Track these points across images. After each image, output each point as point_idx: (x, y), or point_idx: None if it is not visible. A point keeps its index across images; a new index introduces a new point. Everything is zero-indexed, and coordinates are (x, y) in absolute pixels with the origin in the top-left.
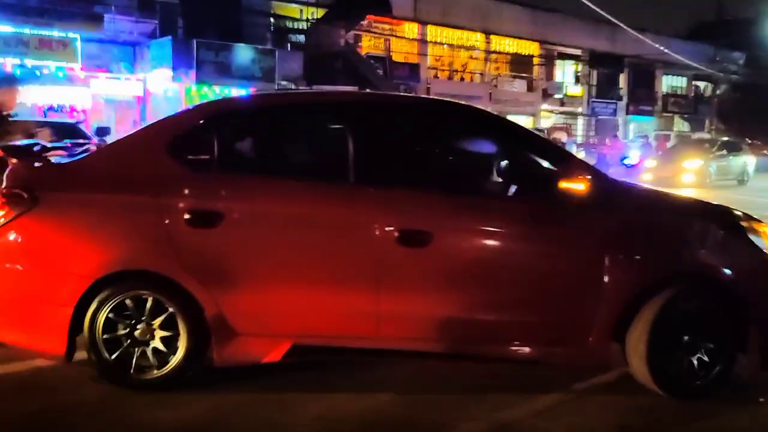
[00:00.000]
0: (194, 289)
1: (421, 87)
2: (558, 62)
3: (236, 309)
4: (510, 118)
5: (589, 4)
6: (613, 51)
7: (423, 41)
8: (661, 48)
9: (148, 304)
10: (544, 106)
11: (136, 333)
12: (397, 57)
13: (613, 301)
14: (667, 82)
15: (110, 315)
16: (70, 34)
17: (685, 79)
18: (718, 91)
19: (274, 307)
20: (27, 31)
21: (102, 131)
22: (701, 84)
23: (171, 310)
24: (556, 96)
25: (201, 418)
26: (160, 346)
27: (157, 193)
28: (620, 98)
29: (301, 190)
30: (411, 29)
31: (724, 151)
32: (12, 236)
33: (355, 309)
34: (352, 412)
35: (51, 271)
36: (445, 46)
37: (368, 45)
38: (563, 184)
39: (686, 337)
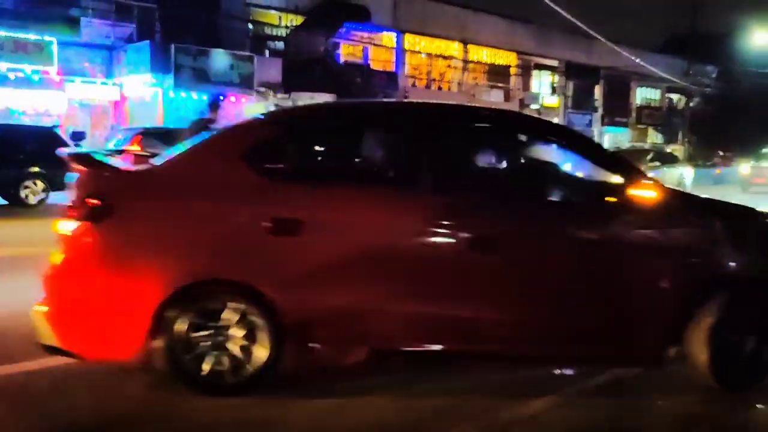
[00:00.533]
0: (274, 296)
1: (398, 95)
2: (535, 73)
3: (315, 315)
4: None
5: (567, 15)
6: (589, 63)
7: (401, 50)
8: (636, 60)
9: (228, 312)
10: None
11: (216, 340)
12: (375, 65)
13: (679, 303)
14: (642, 94)
15: (190, 322)
16: (46, 38)
17: (659, 92)
18: (691, 104)
19: (353, 313)
20: (2, 33)
21: (77, 136)
22: (675, 96)
23: (251, 317)
24: (533, 106)
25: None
26: (238, 353)
27: (236, 202)
28: (596, 109)
29: (378, 197)
30: (390, 38)
31: (658, 163)
32: (88, 246)
33: (432, 314)
34: (350, 416)
35: (129, 281)
36: (423, 55)
37: (347, 52)
38: (632, 192)
39: (746, 336)
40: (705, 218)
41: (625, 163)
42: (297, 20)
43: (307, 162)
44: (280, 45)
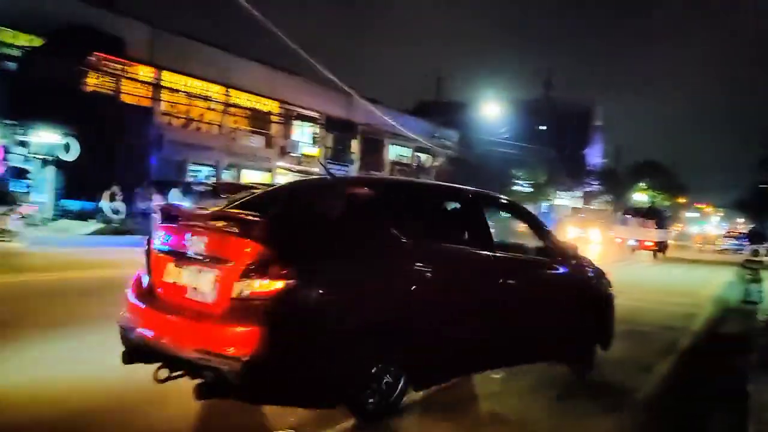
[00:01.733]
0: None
1: (152, 132)
2: (296, 122)
3: (434, 349)
4: (246, 172)
5: (327, 74)
6: (348, 118)
7: (158, 86)
8: (389, 120)
9: None
10: (281, 163)
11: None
12: (128, 99)
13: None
14: (395, 151)
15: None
16: None
17: (409, 150)
18: (436, 163)
19: (458, 343)
20: None
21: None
22: (423, 155)
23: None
24: (293, 154)
25: None
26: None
27: (392, 258)
28: (352, 162)
29: (475, 257)
30: (146, 72)
31: None
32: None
33: (497, 338)
34: None
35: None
36: (181, 93)
37: (95, 83)
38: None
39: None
40: (586, 263)
41: (549, 234)
42: (36, 42)
43: (427, 229)
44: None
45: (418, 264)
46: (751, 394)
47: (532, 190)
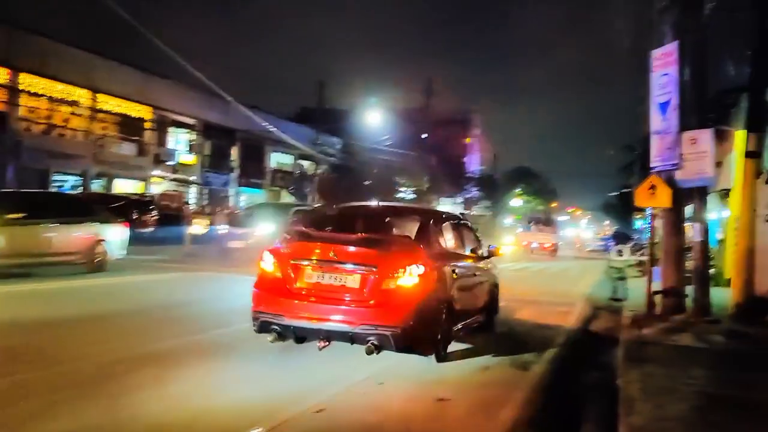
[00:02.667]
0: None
1: (8, 138)
2: (171, 129)
3: (458, 312)
4: (118, 182)
5: (203, 79)
6: (226, 124)
7: (14, 89)
8: (269, 126)
9: None
10: (156, 171)
11: None
12: None
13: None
14: (276, 159)
15: None
16: None
17: (291, 157)
18: (318, 170)
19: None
20: None
21: None
22: (305, 163)
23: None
24: (169, 162)
25: None
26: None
27: (445, 262)
28: (232, 170)
29: (468, 259)
30: (1, 74)
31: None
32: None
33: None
34: None
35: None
36: (42, 97)
37: None
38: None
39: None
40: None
41: (479, 240)
42: None
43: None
44: None
45: (453, 264)
46: (620, 387)
47: (415, 196)
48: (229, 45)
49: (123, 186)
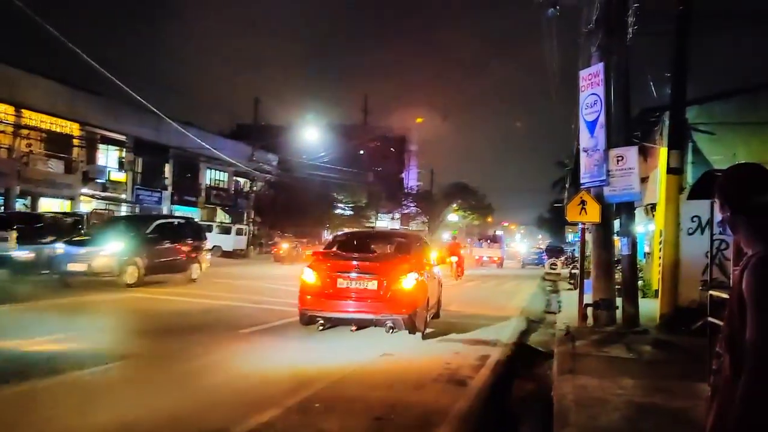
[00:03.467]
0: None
1: None
2: (101, 146)
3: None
4: (44, 201)
5: (134, 95)
6: (159, 141)
7: None
8: (203, 143)
9: None
10: (85, 190)
11: None
12: None
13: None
14: (211, 176)
15: None
16: None
17: (226, 174)
18: (255, 188)
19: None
20: None
21: None
22: (241, 180)
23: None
24: (99, 180)
25: None
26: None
27: (429, 270)
28: (165, 187)
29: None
30: None
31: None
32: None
33: None
34: None
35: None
36: None
37: None
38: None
39: None
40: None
41: (431, 251)
42: None
43: None
44: None
45: (428, 271)
46: (554, 399)
47: (352, 212)
48: (163, 61)
49: (49, 204)
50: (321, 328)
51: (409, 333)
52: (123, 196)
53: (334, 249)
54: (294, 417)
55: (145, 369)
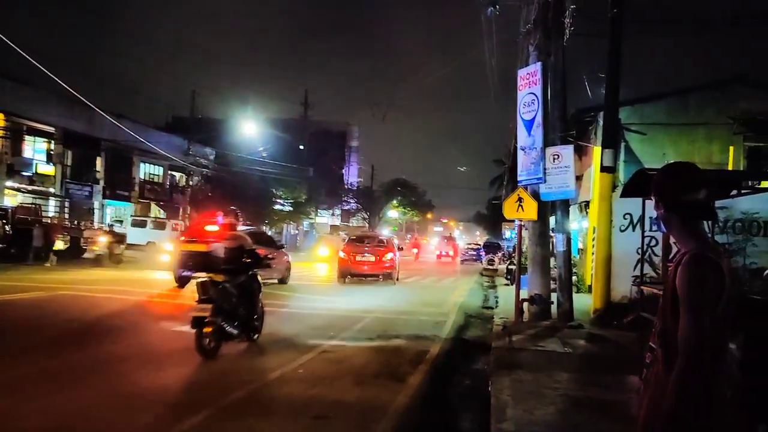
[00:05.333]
0: None
1: None
2: (28, 137)
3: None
4: None
5: (63, 84)
6: (90, 133)
7: None
8: (137, 136)
9: None
10: (10, 183)
11: None
12: None
13: None
14: (145, 170)
15: None
16: None
17: (162, 168)
18: (191, 182)
19: None
20: None
21: None
22: (177, 174)
23: None
24: (25, 173)
25: None
26: None
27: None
28: (97, 181)
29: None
30: None
31: None
32: None
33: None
34: None
35: None
36: None
37: None
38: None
39: None
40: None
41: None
42: None
43: None
44: None
45: (397, 252)
46: (491, 393)
47: (292, 208)
48: (95, 52)
49: None
50: (345, 282)
51: (390, 281)
52: (51, 189)
53: (351, 241)
54: (228, 418)
55: (66, 367)
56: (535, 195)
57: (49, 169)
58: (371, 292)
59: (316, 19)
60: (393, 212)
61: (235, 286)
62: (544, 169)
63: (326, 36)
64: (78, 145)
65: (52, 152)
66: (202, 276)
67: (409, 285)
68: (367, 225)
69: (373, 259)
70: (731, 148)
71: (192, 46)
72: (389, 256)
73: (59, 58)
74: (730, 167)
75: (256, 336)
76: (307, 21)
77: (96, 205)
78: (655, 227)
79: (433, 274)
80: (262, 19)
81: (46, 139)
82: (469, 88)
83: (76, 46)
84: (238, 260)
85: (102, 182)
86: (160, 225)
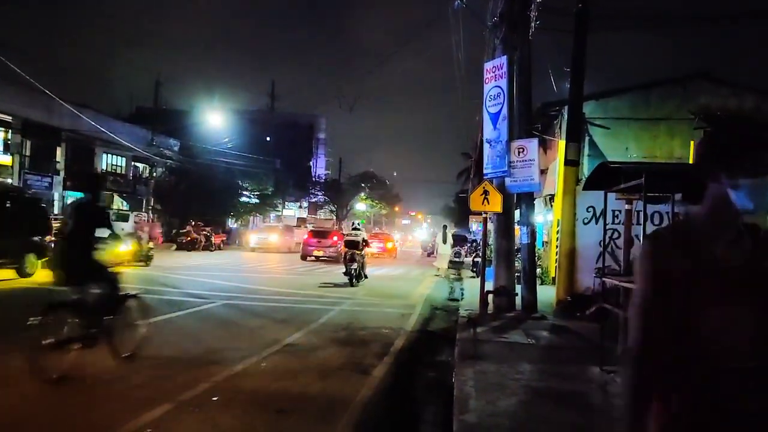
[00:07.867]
0: None
1: None
2: None
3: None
4: None
5: (20, 72)
6: (50, 123)
7: None
8: (99, 126)
9: None
10: None
11: None
12: None
13: None
14: (108, 161)
15: None
16: None
17: (124, 159)
18: (155, 174)
19: None
20: None
21: None
22: (140, 165)
23: None
24: None
25: None
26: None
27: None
28: (57, 172)
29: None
30: None
31: None
32: None
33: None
34: None
35: None
36: None
37: None
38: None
39: None
40: None
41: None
42: None
43: None
44: None
45: (362, 245)
46: (455, 385)
47: (258, 201)
48: (55, 40)
49: None
50: (312, 260)
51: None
52: (9, 180)
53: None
54: (189, 412)
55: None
56: (501, 188)
57: (6, 159)
58: (339, 284)
59: (284, 10)
60: (361, 205)
61: (360, 255)
62: (510, 162)
63: (294, 27)
64: (37, 134)
65: (9, 142)
66: (346, 250)
67: (377, 278)
68: (334, 217)
69: (328, 243)
70: (692, 143)
71: (156, 35)
72: (338, 242)
73: (19, 46)
74: (690, 162)
75: (364, 279)
76: (276, 11)
77: (56, 196)
78: (618, 220)
79: (401, 266)
80: (228, 8)
81: (3, 128)
82: (438, 81)
83: (37, 34)
84: (358, 244)
85: (62, 173)
86: (122, 217)
